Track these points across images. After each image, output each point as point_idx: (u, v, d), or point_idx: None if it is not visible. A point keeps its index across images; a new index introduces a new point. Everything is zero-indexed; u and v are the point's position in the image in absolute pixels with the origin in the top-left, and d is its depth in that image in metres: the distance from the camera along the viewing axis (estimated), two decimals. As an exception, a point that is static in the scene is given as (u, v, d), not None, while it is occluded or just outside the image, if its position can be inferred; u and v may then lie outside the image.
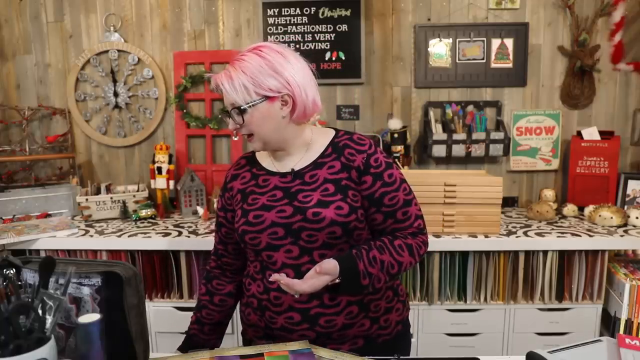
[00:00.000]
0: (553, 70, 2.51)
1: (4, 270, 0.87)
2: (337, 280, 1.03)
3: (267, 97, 1.08)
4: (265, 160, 1.22)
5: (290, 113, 1.11)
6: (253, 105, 1.07)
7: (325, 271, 1.01)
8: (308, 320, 1.10)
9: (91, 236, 2.07)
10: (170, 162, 2.46)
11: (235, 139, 2.57)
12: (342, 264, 1.03)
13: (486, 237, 2.00)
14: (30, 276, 0.91)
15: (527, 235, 2.01)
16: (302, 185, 1.12)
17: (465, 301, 2.05)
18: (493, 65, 2.50)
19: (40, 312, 0.78)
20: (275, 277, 1.02)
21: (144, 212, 2.34)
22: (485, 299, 2.04)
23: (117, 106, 2.63)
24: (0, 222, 2.27)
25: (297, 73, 1.09)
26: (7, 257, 0.91)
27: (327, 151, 1.15)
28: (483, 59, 2.50)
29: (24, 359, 0.72)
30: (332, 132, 1.19)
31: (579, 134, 2.47)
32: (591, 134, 2.45)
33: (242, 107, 1.07)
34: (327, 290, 1.06)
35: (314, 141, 1.18)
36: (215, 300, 1.29)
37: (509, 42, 2.48)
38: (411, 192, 1.16)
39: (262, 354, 0.98)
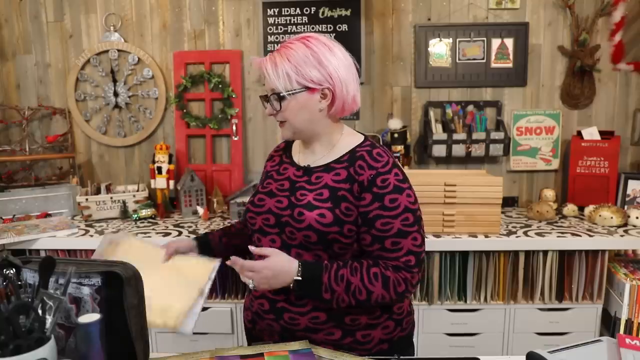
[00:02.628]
0: (553, 70, 2.51)
1: (4, 270, 0.87)
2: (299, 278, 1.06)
3: (307, 88, 1.09)
4: (295, 151, 1.25)
5: (328, 107, 1.12)
6: (293, 93, 1.09)
7: (261, 252, 1.07)
8: (274, 311, 1.14)
9: (91, 236, 2.07)
10: (170, 162, 2.46)
11: (236, 138, 2.58)
12: (307, 271, 1.06)
13: (486, 237, 2.00)
14: (30, 276, 0.91)
15: (527, 235, 2.01)
16: (305, 184, 1.14)
17: (466, 301, 2.05)
18: (493, 65, 2.50)
19: (40, 312, 0.78)
20: (233, 259, 1.08)
21: (144, 212, 2.34)
22: (486, 299, 2.04)
23: (117, 106, 2.63)
24: (0, 221, 2.27)
25: (341, 68, 1.10)
26: (7, 257, 0.90)
27: (344, 157, 1.14)
28: (483, 58, 2.50)
29: (24, 358, 0.72)
30: (360, 139, 1.17)
31: (579, 133, 2.47)
32: (591, 133, 2.45)
33: (281, 94, 1.09)
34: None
35: (340, 143, 1.17)
36: (245, 230, 1.33)
37: (509, 42, 2.48)
38: (414, 225, 1.07)
39: (262, 354, 0.98)
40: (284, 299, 1.12)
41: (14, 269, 0.88)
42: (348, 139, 1.18)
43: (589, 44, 2.42)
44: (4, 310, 0.75)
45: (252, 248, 1.11)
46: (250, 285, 1.07)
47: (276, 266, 1.06)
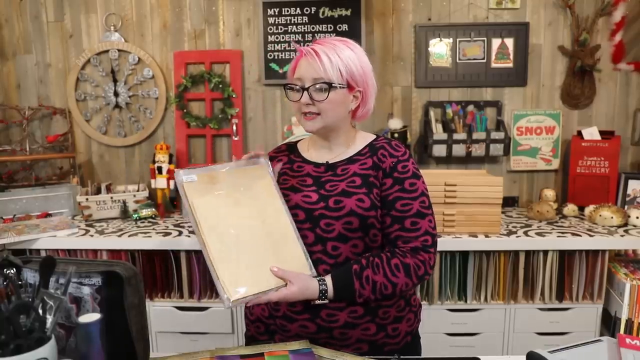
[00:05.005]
0: (553, 70, 2.51)
1: (5, 270, 0.87)
2: (326, 301, 1.07)
3: (349, 86, 1.13)
4: (304, 150, 1.27)
5: (355, 109, 1.19)
6: (340, 87, 1.12)
7: (284, 276, 1.03)
8: (310, 310, 1.10)
9: (91, 236, 2.07)
10: (170, 162, 2.46)
11: (236, 138, 2.58)
12: (337, 293, 1.07)
13: (486, 236, 2.01)
14: (31, 276, 0.91)
15: (528, 235, 2.01)
16: (332, 177, 1.16)
17: (466, 301, 2.05)
18: (493, 65, 2.50)
19: (40, 311, 0.78)
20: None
21: (144, 212, 2.35)
22: (486, 299, 2.04)
23: (117, 106, 2.63)
24: (0, 221, 2.27)
25: (372, 75, 1.18)
26: (8, 256, 0.91)
27: (364, 150, 1.20)
28: (483, 58, 2.50)
29: (24, 358, 0.72)
30: (373, 136, 1.25)
31: (580, 133, 2.47)
32: (591, 133, 2.45)
33: (333, 85, 1.10)
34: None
35: (355, 141, 1.22)
36: None
37: (510, 42, 2.48)
38: (430, 209, 1.15)
39: (262, 354, 0.98)
40: None
41: (14, 269, 0.88)
42: (362, 137, 1.24)
43: (589, 43, 2.42)
44: (4, 310, 0.75)
45: (273, 270, 1.04)
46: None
47: (298, 295, 1.03)
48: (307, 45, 1.16)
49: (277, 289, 1.02)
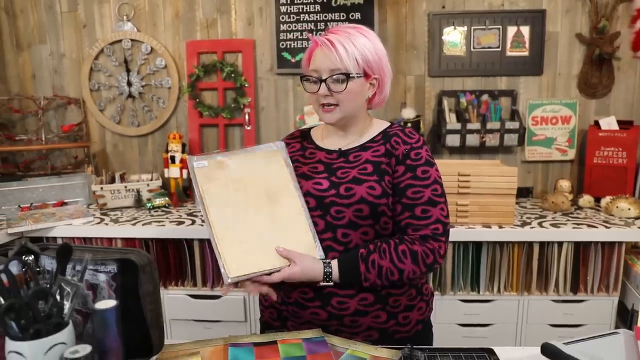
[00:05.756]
0: (570, 59, 2.46)
1: (23, 257, 0.88)
2: (331, 283, 1.09)
3: (365, 75, 1.13)
4: (317, 137, 1.26)
5: (372, 97, 1.18)
6: (358, 77, 1.11)
7: (288, 255, 1.06)
8: (321, 297, 1.11)
9: (106, 224, 2.10)
10: (183, 151, 2.47)
11: (248, 128, 2.58)
12: (343, 274, 1.08)
13: (500, 227, 1.99)
14: (48, 263, 0.93)
15: (542, 226, 1.99)
16: (344, 163, 1.16)
17: (479, 292, 2.04)
18: (508, 53, 2.46)
19: (58, 297, 0.79)
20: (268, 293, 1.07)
21: (157, 201, 2.37)
22: (499, 290, 2.03)
23: (130, 95, 2.64)
24: (18, 210, 2.31)
25: (387, 62, 1.17)
26: (26, 243, 0.92)
27: (377, 137, 1.19)
28: (498, 47, 2.46)
29: (43, 343, 0.74)
30: (387, 124, 1.24)
31: (597, 123, 2.43)
32: (609, 123, 2.40)
33: (350, 75, 1.10)
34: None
35: (370, 129, 1.22)
36: None
37: (525, 30, 2.43)
38: (442, 197, 1.14)
39: (275, 342, 0.99)
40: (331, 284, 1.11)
41: (32, 256, 0.90)
42: (377, 124, 1.24)
43: (609, 31, 2.36)
44: (24, 295, 0.77)
45: (279, 250, 1.07)
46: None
47: (301, 276, 1.06)
48: (321, 34, 1.14)
49: (281, 269, 1.05)
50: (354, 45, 1.10)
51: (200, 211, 2.28)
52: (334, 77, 1.10)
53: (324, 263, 1.08)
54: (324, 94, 1.11)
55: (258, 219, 1.09)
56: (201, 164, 1.11)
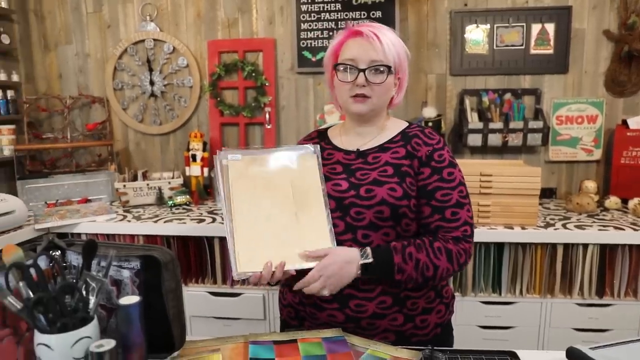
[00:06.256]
0: (597, 56, 2.40)
1: (51, 252, 0.91)
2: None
3: (395, 71, 1.14)
4: (335, 137, 1.26)
5: (394, 95, 1.20)
6: (392, 72, 1.13)
7: (317, 254, 1.05)
8: (339, 299, 1.10)
9: (129, 221, 2.13)
10: (204, 150, 2.50)
11: (269, 126, 2.59)
12: (378, 255, 1.06)
13: (523, 228, 1.95)
14: (74, 258, 0.95)
15: (566, 228, 1.94)
16: (363, 164, 1.16)
17: (500, 294, 2.01)
18: (532, 51, 2.41)
19: (84, 292, 0.81)
20: (297, 287, 1.07)
21: (179, 199, 2.40)
22: (521, 292, 1.99)
23: (152, 94, 2.68)
24: (45, 206, 2.38)
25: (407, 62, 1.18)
26: (53, 239, 0.94)
27: (396, 138, 1.19)
28: (522, 45, 2.41)
29: (70, 336, 0.76)
30: (405, 124, 1.23)
31: (625, 122, 2.36)
32: (638, 122, 2.33)
33: (390, 67, 1.11)
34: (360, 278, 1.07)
35: (388, 128, 1.21)
36: None
37: (550, 27, 2.38)
38: (467, 198, 1.14)
39: (295, 341, 0.99)
40: (350, 286, 1.09)
41: (59, 251, 0.92)
42: (395, 123, 1.23)
43: (639, 27, 2.29)
44: (51, 290, 0.79)
45: (308, 252, 1.07)
46: (326, 293, 1.05)
47: (338, 259, 1.05)
48: (352, 27, 1.15)
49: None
50: (392, 41, 1.11)
51: (220, 210, 2.31)
52: (376, 67, 1.10)
53: (360, 250, 1.07)
54: (362, 83, 1.11)
55: (280, 219, 1.10)
56: (235, 157, 1.13)
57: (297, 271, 1.06)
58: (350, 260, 1.05)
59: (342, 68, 1.13)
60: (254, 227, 1.08)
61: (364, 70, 1.10)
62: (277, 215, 1.10)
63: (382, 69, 1.10)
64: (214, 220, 2.13)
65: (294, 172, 1.15)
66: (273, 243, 1.08)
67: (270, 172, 1.14)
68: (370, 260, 1.05)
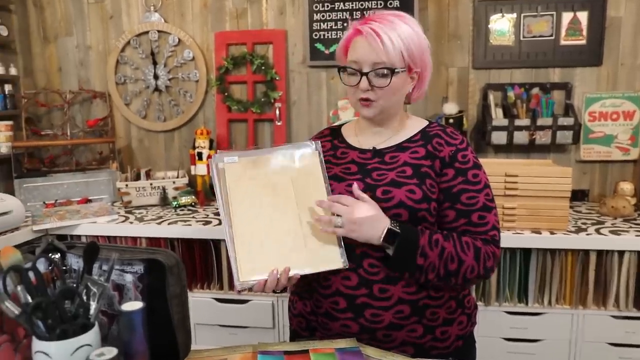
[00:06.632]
0: (635, 46, 2.35)
1: (50, 255, 0.91)
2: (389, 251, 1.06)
3: (408, 68, 1.11)
4: (349, 134, 1.25)
5: (412, 91, 1.17)
6: (402, 71, 1.10)
7: (359, 196, 1.06)
8: (353, 308, 1.09)
9: (131, 223, 2.15)
10: (211, 148, 2.51)
11: (279, 123, 2.60)
12: (403, 231, 1.05)
13: (552, 233, 1.93)
14: (75, 261, 0.95)
15: (600, 233, 1.91)
16: (379, 164, 1.15)
17: (527, 304, 1.98)
18: (563, 42, 2.38)
19: (84, 298, 0.81)
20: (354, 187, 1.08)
21: (183, 199, 2.41)
22: (550, 302, 1.97)
23: (157, 89, 2.70)
24: (43, 206, 2.41)
25: (429, 54, 1.15)
26: (53, 241, 0.95)
27: (415, 137, 1.18)
28: (551, 35, 2.38)
29: (70, 343, 0.76)
30: (425, 122, 1.22)
31: (664, 119, 2.32)
32: (678, 119, 2.29)
33: (395, 70, 1.08)
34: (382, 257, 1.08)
35: (407, 126, 1.20)
36: None
37: (583, 16, 2.35)
38: (493, 201, 1.13)
39: (307, 351, 0.99)
40: (365, 294, 1.09)
41: (59, 254, 0.93)
42: (414, 122, 1.22)
43: (679, 16, 2.25)
44: (50, 294, 0.79)
45: (354, 188, 1.08)
46: (340, 225, 1.05)
47: (372, 209, 1.05)
48: (360, 21, 1.12)
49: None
50: (400, 37, 1.07)
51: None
52: (378, 71, 1.08)
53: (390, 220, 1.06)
54: (365, 88, 1.09)
55: (282, 223, 1.10)
56: (232, 159, 1.13)
57: (302, 276, 1.07)
58: (382, 220, 1.05)
59: (343, 71, 1.13)
60: (254, 232, 1.08)
61: (366, 74, 1.09)
62: (279, 219, 1.10)
63: (385, 72, 1.07)
64: (220, 222, 2.14)
65: (295, 172, 1.14)
66: (276, 248, 1.08)
67: (269, 174, 1.13)
68: (398, 230, 1.04)
